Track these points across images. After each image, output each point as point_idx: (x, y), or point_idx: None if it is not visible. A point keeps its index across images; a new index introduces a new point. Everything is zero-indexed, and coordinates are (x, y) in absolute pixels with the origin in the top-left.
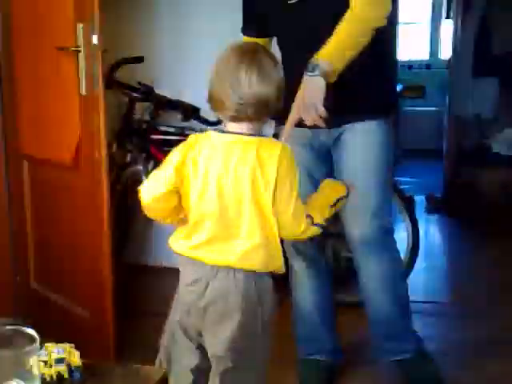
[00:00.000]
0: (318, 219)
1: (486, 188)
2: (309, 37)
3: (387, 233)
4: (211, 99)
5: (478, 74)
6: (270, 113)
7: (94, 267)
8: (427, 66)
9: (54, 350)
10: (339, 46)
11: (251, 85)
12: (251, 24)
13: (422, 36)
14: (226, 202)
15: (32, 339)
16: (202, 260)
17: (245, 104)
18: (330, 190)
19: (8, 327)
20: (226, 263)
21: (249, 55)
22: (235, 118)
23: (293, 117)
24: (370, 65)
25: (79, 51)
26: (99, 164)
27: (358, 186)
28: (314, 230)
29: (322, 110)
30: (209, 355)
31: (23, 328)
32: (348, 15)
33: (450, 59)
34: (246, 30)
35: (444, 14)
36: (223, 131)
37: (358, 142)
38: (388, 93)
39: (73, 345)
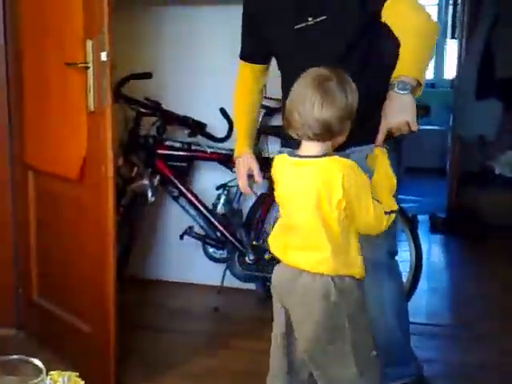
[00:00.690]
0: (393, 206)
1: (489, 209)
2: (313, 61)
3: (392, 256)
4: (283, 117)
5: (482, 96)
6: (334, 135)
7: (98, 282)
8: (432, 85)
9: (60, 380)
10: (416, 60)
11: (313, 109)
12: (250, 49)
13: None
14: (299, 219)
15: (38, 369)
16: (287, 263)
17: (306, 126)
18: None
19: (15, 356)
20: (306, 268)
21: (317, 81)
22: (301, 137)
23: (383, 134)
24: (376, 91)
25: (88, 67)
26: (105, 179)
27: None
28: (392, 217)
29: (415, 125)
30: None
31: (30, 358)
32: (413, 31)
33: (453, 79)
34: (244, 56)
35: (449, 33)
36: (294, 154)
37: (364, 164)
38: None
39: (77, 373)
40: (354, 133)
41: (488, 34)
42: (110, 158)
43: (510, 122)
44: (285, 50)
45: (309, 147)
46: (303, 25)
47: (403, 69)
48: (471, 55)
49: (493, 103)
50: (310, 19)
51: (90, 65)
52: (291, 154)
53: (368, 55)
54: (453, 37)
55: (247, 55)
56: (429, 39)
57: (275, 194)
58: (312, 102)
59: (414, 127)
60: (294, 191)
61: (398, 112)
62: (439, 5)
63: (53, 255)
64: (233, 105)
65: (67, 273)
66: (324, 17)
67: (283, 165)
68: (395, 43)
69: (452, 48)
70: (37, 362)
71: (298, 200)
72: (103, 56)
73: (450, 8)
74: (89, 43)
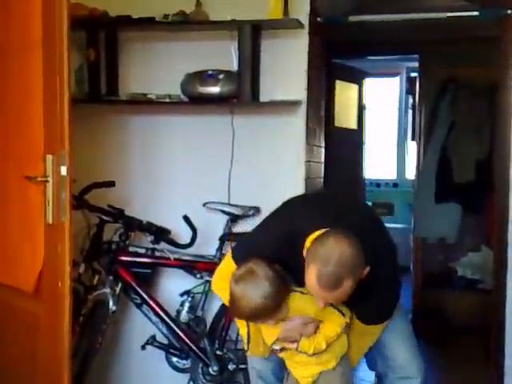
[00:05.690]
0: None
1: (453, 311)
2: None
3: None
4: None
5: (441, 199)
6: None
7: None
8: (394, 184)
9: None
10: None
11: None
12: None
13: (390, 156)
14: None
15: None
16: None
17: None
18: None
19: None
20: None
21: None
22: None
23: None
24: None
25: (47, 181)
26: (62, 294)
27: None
28: None
29: None
30: None
31: None
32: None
33: (413, 181)
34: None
35: (410, 136)
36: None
37: None
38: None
39: None
40: None
41: (444, 140)
42: (67, 273)
43: (469, 225)
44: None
45: None
46: None
47: None
48: (429, 160)
49: (452, 207)
50: None
51: (50, 179)
52: None
53: None
54: (413, 139)
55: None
56: None
57: None
58: None
59: None
60: None
61: None
62: (399, 108)
63: (6, 369)
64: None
65: None
66: None
67: None
68: None
69: (413, 149)
70: None
71: None
72: (63, 170)
73: (410, 111)
74: (49, 158)
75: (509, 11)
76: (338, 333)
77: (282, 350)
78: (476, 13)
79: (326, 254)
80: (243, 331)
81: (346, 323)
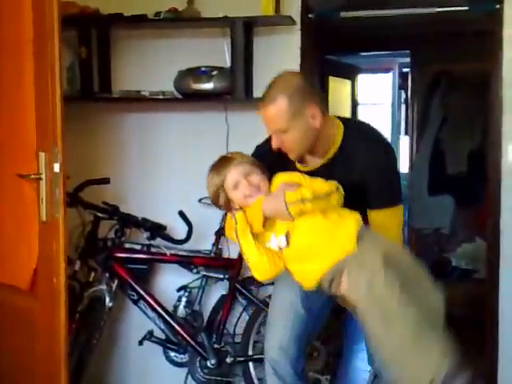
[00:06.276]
0: None
1: (447, 300)
2: None
3: None
4: None
5: (434, 191)
6: None
7: None
8: None
9: None
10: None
11: None
12: None
13: None
14: None
15: None
16: None
17: None
18: None
19: None
20: None
21: None
22: None
23: None
24: None
25: (41, 179)
26: (57, 291)
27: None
28: None
29: None
30: None
31: None
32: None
33: (407, 174)
34: None
35: (403, 130)
36: None
37: None
38: None
39: None
40: None
41: (437, 133)
42: (62, 270)
43: (463, 217)
44: None
45: None
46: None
47: None
48: (422, 153)
49: (445, 198)
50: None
51: (43, 176)
52: None
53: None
54: (406, 133)
55: None
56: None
57: None
58: None
59: None
60: None
61: None
62: (392, 104)
63: (2, 366)
64: None
65: None
66: None
67: None
68: None
69: (406, 143)
70: None
71: None
72: (56, 167)
73: (403, 106)
74: (41, 155)
75: (498, 6)
76: (326, 190)
77: (287, 242)
78: (466, 8)
79: (275, 79)
80: (232, 235)
81: (336, 186)
